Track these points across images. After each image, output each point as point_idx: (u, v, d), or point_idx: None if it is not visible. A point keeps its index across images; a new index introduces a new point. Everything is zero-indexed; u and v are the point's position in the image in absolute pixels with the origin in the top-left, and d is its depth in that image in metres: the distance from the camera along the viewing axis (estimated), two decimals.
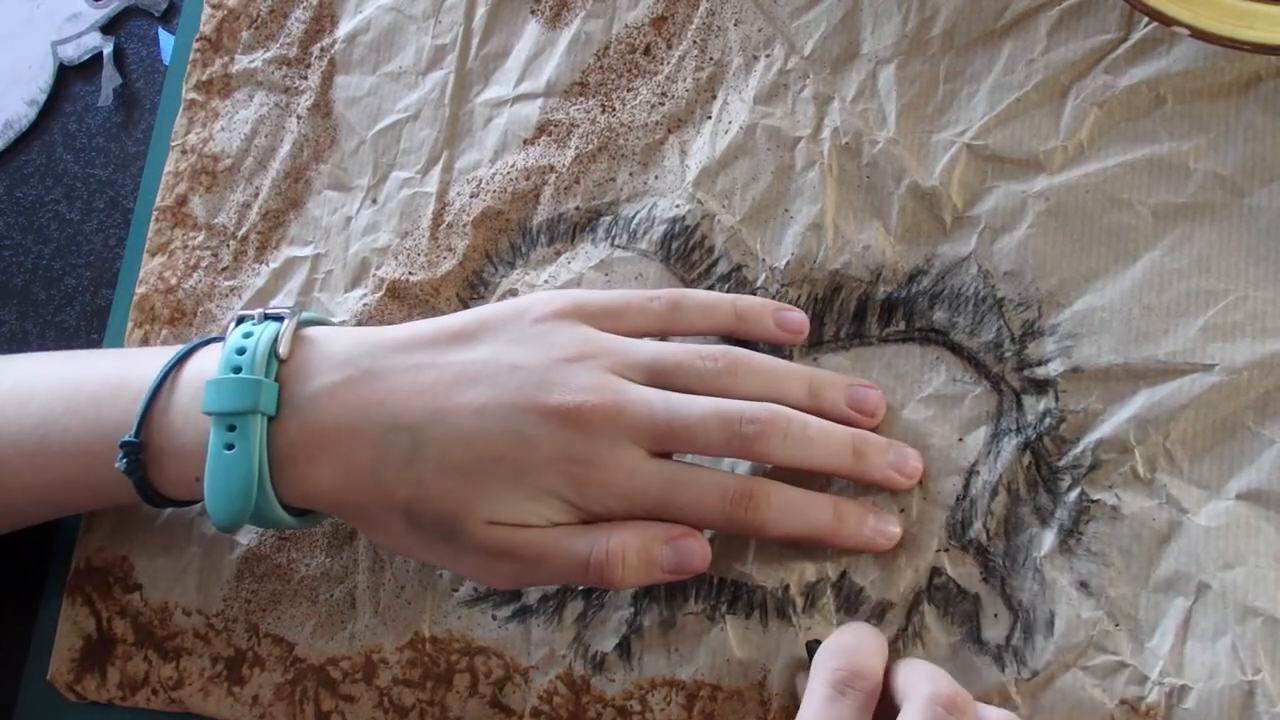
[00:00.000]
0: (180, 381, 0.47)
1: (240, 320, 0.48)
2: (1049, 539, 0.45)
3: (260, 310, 0.48)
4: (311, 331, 0.48)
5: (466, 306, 0.53)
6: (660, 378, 0.46)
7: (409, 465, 0.44)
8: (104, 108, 0.61)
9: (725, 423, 0.44)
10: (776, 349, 0.49)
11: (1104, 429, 0.45)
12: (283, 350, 0.46)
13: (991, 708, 0.42)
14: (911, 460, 0.47)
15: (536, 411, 0.44)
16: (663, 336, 0.48)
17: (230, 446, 0.45)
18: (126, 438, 0.46)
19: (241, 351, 0.46)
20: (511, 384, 0.45)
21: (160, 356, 0.48)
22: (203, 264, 0.56)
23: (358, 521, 0.47)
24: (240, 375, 0.45)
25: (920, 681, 0.41)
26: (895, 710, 0.41)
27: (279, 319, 0.47)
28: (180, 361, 0.47)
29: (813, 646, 0.45)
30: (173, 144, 0.58)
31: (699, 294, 0.49)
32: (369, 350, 0.46)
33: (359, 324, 0.54)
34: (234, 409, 0.45)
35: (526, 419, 0.44)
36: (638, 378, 0.46)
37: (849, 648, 0.43)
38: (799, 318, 0.49)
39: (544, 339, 0.46)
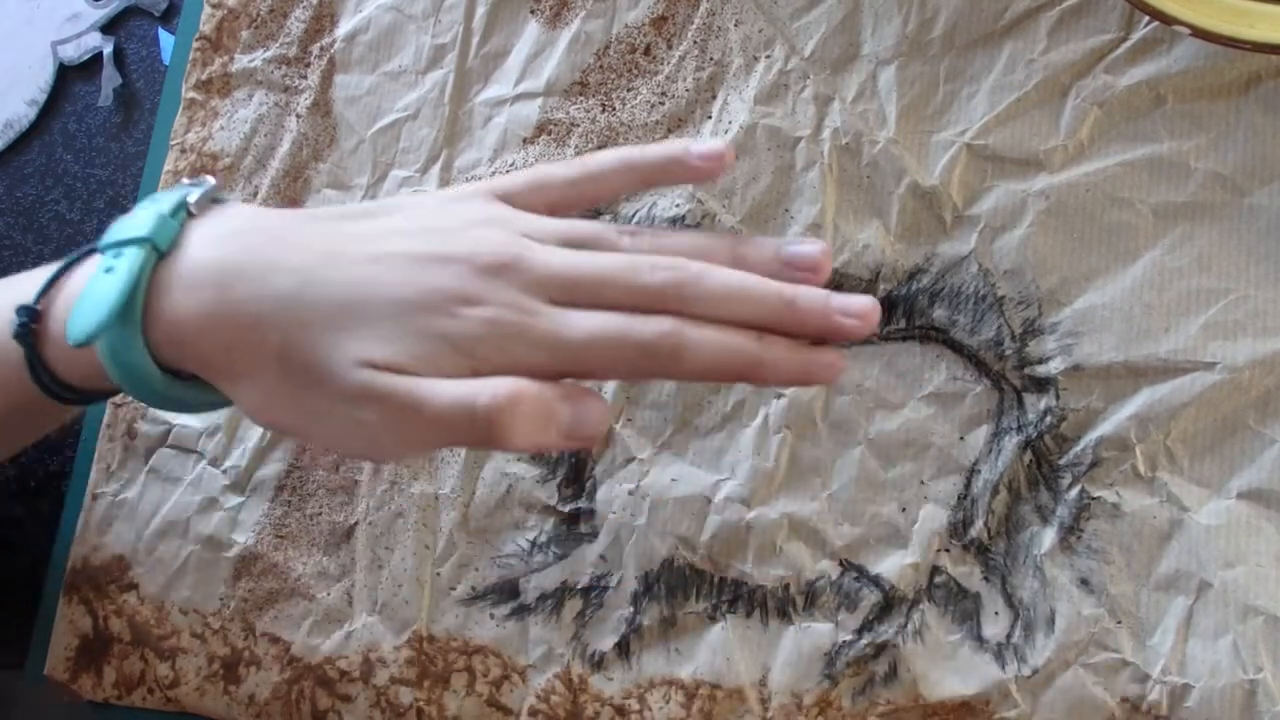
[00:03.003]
0: (92, 259, 0.44)
1: None
2: (1050, 537, 0.45)
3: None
4: (233, 203, 0.46)
5: None
6: (573, 245, 0.43)
7: (289, 302, 0.41)
8: (104, 108, 0.61)
9: (634, 271, 0.41)
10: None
11: (1105, 427, 0.45)
12: (193, 200, 0.44)
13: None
14: (859, 302, 0.41)
15: (435, 259, 0.41)
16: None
17: (109, 270, 0.42)
18: (23, 303, 0.44)
19: (156, 202, 0.44)
20: (413, 239, 0.42)
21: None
22: None
23: (225, 375, 0.43)
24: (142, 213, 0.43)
25: None
26: None
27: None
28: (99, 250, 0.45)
29: None
30: (172, 143, 0.58)
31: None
32: (278, 215, 0.45)
33: None
34: (125, 237, 0.42)
35: (425, 267, 0.41)
36: (550, 242, 0.43)
37: None
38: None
39: (453, 208, 0.44)
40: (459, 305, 0.40)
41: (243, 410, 0.44)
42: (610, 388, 0.50)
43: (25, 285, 0.45)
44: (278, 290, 0.41)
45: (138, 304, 0.42)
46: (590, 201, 0.46)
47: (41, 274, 0.45)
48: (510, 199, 0.44)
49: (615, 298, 0.41)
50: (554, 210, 0.45)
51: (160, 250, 0.42)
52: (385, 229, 0.43)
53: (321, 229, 0.43)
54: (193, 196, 0.44)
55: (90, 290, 0.42)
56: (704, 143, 0.44)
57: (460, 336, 0.40)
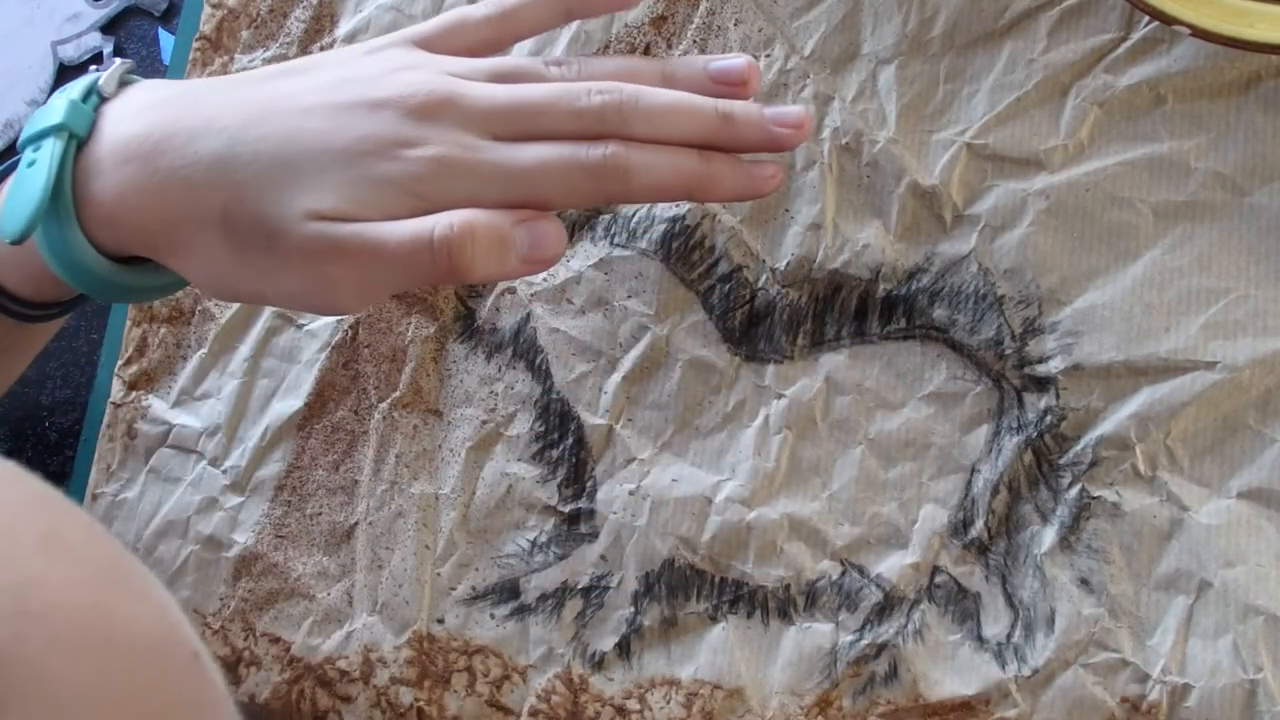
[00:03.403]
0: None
1: None
2: (1050, 536, 0.45)
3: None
4: (144, 80, 0.45)
5: (465, 305, 0.53)
6: (503, 80, 0.43)
7: (221, 164, 0.40)
8: None
9: (571, 96, 0.41)
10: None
11: (1105, 426, 0.45)
12: (104, 82, 0.43)
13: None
14: (793, 112, 0.43)
15: (364, 105, 0.40)
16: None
17: (31, 164, 0.41)
18: None
19: (66, 91, 0.43)
20: (338, 89, 0.41)
21: None
22: None
23: (171, 251, 0.42)
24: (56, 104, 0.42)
25: None
26: None
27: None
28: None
29: None
30: None
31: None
32: (194, 84, 0.44)
33: (357, 323, 0.53)
34: (40, 129, 0.41)
35: (356, 114, 0.40)
36: (479, 80, 0.43)
37: None
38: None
39: (374, 58, 0.43)
40: (398, 148, 0.39)
41: (196, 285, 0.43)
42: (611, 387, 0.50)
43: None
44: (207, 153, 0.40)
45: (65, 191, 0.41)
46: (511, 38, 0.45)
47: None
48: (429, 45, 0.44)
49: (555, 126, 0.41)
50: (474, 52, 0.44)
51: (78, 135, 0.41)
52: (308, 84, 0.42)
53: (242, 91, 0.42)
54: (103, 79, 0.43)
55: (16, 186, 0.41)
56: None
57: (405, 178, 0.39)
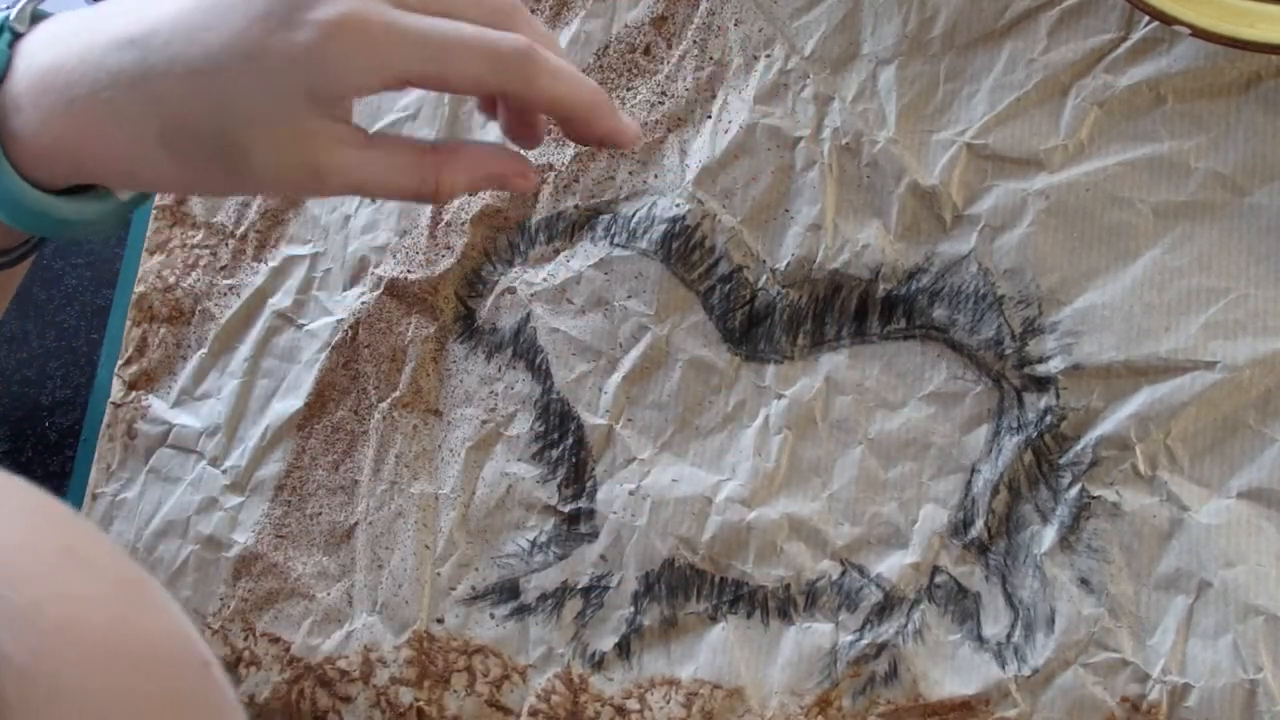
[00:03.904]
0: None
1: None
2: (1050, 536, 0.45)
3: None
4: (58, 13, 0.44)
5: (465, 305, 0.53)
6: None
7: (142, 81, 0.39)
8: None
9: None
10: None
11: (1105, 426, 0.45)
12: (15, 18, 0.42)
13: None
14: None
15: None
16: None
17: None
18: None
19: None
20: None
21: None
22: (201, 263, 0.56)
23: (118, 176, 0.42)
24: None
25: None
26: None
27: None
28: None
29: None
30: None
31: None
32: (106, 4, 0.43)
33: (357, 323, 0.53)
34: None
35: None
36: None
37: None
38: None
39: None
40: (296, 11, 0.38)
41: (167, 191, 0.44)
42: (611, 387, 0.50)
43: None
44: (127, 73, 0.39)
45: None
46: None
47: None
48: None
49: (463, 14, 0.40)
50: None
51: None
52: None
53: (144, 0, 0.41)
54: (13, 14, 0.42)
55: None
56: None
57: (304, 54, 0.38)
